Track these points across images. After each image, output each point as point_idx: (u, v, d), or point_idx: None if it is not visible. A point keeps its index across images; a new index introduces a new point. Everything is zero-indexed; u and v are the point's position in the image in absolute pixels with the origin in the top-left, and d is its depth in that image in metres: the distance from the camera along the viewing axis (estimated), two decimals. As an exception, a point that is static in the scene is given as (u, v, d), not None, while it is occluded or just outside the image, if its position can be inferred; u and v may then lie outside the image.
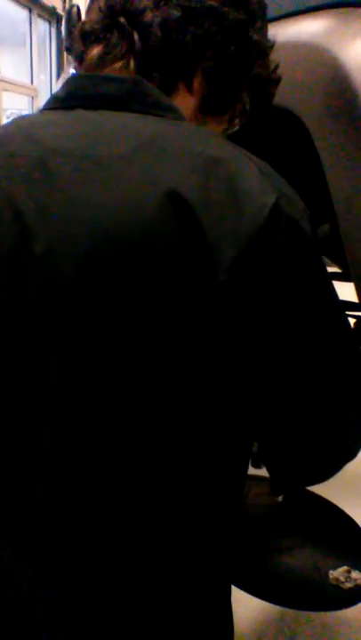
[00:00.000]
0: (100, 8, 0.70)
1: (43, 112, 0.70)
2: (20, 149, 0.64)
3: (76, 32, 0.71)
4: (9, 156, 0.64)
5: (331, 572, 1.44)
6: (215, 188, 0.57)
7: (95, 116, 0.65)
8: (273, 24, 0.93)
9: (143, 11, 0.67)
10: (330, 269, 1.78)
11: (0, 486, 0.69)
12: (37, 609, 0.67)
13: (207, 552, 0.69)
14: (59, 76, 9.64)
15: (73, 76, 0.69)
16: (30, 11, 9.91)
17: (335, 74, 0.87)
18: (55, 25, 10.79)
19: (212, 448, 0.64)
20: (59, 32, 10.67)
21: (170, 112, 0.66)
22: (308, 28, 0.96)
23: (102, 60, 0.69)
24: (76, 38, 0.71)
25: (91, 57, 0.70)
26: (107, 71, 0.69)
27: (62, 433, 0.62)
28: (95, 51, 0.70)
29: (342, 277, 1.67)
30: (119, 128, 0.63)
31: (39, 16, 10.19)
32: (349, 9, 0.91)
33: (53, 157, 0.61)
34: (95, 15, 0.70)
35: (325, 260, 1.77)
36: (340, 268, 1.77)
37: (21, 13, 9.79)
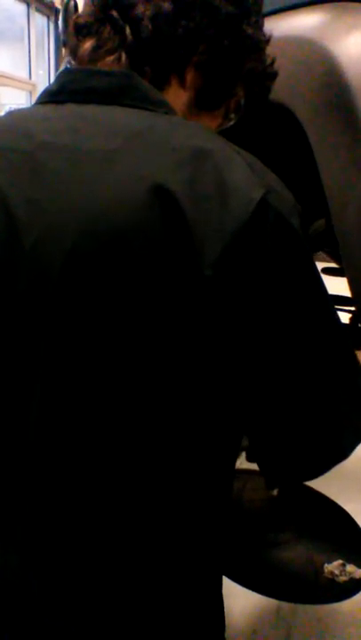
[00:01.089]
0: (92, 1, 0.70)
1: (36, 106, 0.70)
2: (11, 143, 0.64)
3: (70, 26, 0.71)
4: (0, 149, 0.64)
5: (326, 565, 1.45)
6: (202, 182, 0.57)
7: (85, 110, 0.65)
8: (268, 18, 0.93)
9: (135, 4, 0.67)
10: (326, 264, 1.78)
11: None
12: (27, 601, 0.67)
13: (197, 543, 0.70)
14: (57, 70, 9.62)
15: (64, 70, 0.69)
16: (28, 5, 9.88)
17: (329, 68, 0.87)
18: (53, 19, 10.75)
19: (201, 440, 0.64)
20: (57, 26, 10.63)
21: (160, 106, 0.65)
22: (301, 23, 0.96)
23: (95, 53, 0.69)
24: (70, 32, 0.71)
25: (83, 50, 0.70)
26: (99, 65, 0.69)
27: (51, 427, 0.62)
28: (88, 44, 0.70)
29: (338, 272, 1.67)
30: (108, 122, 0.63)
31: (37, 10, 10.16)
32: (342, 3, 0.91)
33: (43, 151, 0.62)
34: (88, 9, 0.70)
35: (322, 254, 1.77)
36: (336, 262, 1.77)
37: (19, 7, 9.77)
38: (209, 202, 0.57)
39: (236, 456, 0.73)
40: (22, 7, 9.84)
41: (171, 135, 0.61)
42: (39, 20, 10.34)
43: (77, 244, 0.58)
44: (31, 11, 9.95)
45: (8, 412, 0.64)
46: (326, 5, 0.94)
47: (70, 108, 0.65)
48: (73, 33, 0.71)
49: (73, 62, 0.72)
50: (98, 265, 0.58)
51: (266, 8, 0.85)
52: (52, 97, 0.68)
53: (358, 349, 0.94)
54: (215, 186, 0.57)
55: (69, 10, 2.27)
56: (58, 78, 0.68)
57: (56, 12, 10.33)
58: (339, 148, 0.87)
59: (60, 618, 0.67)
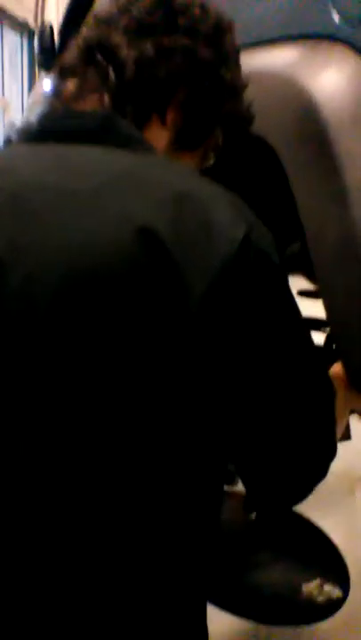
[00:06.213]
0: (78, 45, 0.72)
1: (17, 145, 0.71)
2: None
3: (56, 69, 0.73)
4: None
5: (304, 585, 1.46)
6: (186, 222, 0.59)
7: (68, 150, 0.66)
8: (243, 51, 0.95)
9: (119, 47, 0.70)
10: (302, 288, 1.80)
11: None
12: (33, 607, 0.67)
13: (184, 567, 0.71)
14: (30, 87, 9.64)
15: (46, 112, 0.70)
16: (1, 23, 9.89)
17: (304, 103, 0.90)
18: (27, 36, 10.77)
19: (188, 468, 0.66)
20: (30, 43, 10.65)
21: (141, 145, 0.67)
22: (276, 59, 0.99)
23: (78, 93, 0.72)
24: (55, 75, 0.74)
25: (67, 91, 0.72)
26: (82, 104, 0.71)
27: (46, 458, 0.63)
28: (71, 85, 0.72)
29: (313, 295, 1.70)
30: (91, 162, 0.64)
31: (10, 28, 10.17)
32: (314, 40, 0.94)
33: (27, 191, 0.62)
34: (73, 52, 0.73)
35: (299, 275, 1.79)
36: (312, 283, 1.80)
37: (-8, 25, 9.75)
38: (193, 240, 0.58)
39: (223, 481, 0.75)
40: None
41: (153, 174, 0.62)
42: (12, 37, 10.35)
43: (63, 283, 0.59)
44: (4, 28, 9.95)
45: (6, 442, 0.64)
46: (299, 42, 0.97)
47: (53, 148, 0.67)
48: (57, 75, 0.73)
49: (56, 103, 0.74)
50: (84, 304, 0.59)
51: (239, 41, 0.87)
52: (33, 137, 0.69)
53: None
54: (199, 224, 0.59)
55: (45, 34, 2.30)
56: (39, 120, 0.70)
57: (29, 31, 10.35)
58: (315, 181, 0.90)
59: (54, 623, 0.67)
